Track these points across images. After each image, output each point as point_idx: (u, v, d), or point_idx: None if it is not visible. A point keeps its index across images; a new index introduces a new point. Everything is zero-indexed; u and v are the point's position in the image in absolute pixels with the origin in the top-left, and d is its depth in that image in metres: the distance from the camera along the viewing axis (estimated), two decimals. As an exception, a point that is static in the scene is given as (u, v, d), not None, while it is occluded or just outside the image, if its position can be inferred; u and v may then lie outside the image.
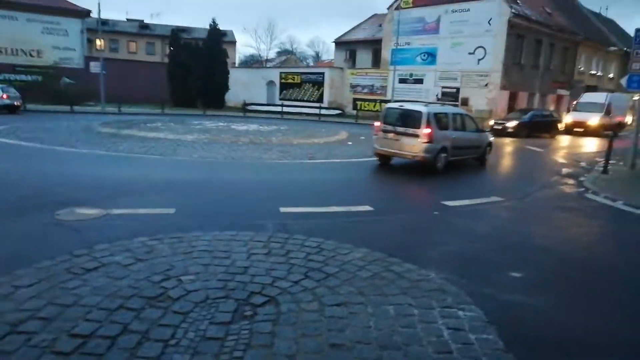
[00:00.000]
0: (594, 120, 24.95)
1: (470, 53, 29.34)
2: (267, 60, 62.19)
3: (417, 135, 10.20)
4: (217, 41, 36.51)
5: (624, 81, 12.80)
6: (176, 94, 35.69)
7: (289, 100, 37.15)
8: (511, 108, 28.34)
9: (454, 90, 30.27)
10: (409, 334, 3.40)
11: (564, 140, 22.79)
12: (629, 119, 29.86)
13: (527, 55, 30.20)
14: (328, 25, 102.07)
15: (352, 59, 41.28)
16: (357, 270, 4.53)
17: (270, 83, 39.68)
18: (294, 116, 31.61)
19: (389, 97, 32.36)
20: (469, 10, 29.34)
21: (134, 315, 3.48)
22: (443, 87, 30.92)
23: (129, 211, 6.23)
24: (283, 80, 39.05)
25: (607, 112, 25.84)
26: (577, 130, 25.06)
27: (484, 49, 28.73)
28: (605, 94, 28.14)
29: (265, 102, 37.38)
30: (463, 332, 3.47)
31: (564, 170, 12.37)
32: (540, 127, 23.16)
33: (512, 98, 29.54)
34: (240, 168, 10.57)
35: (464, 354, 3.17)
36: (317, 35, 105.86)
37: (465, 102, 29.38)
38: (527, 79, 30.13)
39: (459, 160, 11.56)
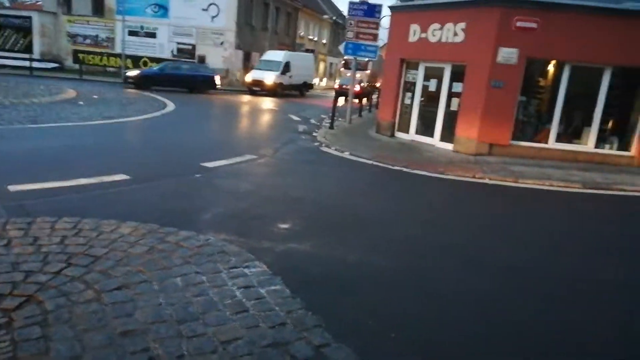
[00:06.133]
0: (269, 78, 24.67)
1: (204, 9, 29.07)
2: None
3: None
4: None
5: (341, 47, 14.98)
6: None
7: (-18, 49, 29.69)
8: (246, 67, 29.70)
9: (190, 47, 29.70)
10: (203, 302, 3.33)
11: (293, 99, 25.35)
12: (316, 80, 33.54)
13: (257, 17, 31.84)
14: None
15: (66, 3, 35.40)
16: (130, 247, 4.12)
17: (-50, 26, 30.74)
18: (-5, 69, 25.57)
19: (118, 50, 29.47)
20: (199, -36, 28.77)
21: None
22: (178, 43, 29.94)
23: None
24: (-29, 23, 30.84)
25: (285, 71, 25.81)
26: (256, 89, 24.92)
27: (217, 6, 28.88)
28: (283, 52, 27.98)
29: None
30: (254, 289, 3.61)
31: (300, 128, 13.87)
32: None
33: (247, 57, 30.94)
34: None
35: (259, 309, 3.32)
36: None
37: (202, 60, 29.26)
38: (258, 40, 31.95)
39: None
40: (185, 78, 22.68)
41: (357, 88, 25.94)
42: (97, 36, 31.38)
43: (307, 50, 39.80)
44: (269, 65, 25.64)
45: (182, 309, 3.22)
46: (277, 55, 26.89)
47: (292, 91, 27.26)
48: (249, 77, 25.69)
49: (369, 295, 3.75)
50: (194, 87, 22.56)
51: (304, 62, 29.07)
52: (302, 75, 27.89)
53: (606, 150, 11.01)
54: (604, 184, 8.85)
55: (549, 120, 11.00)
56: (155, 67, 23.68)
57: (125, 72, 23.69)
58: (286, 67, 25.95)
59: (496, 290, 4.08)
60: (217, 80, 24.01)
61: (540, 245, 5.40)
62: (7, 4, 32.82)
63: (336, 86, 28.54)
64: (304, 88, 28.66)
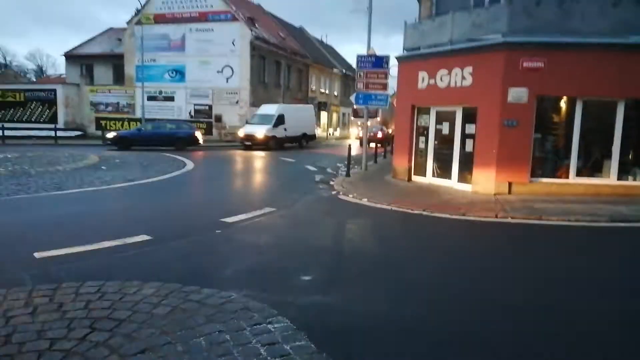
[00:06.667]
0: (260, 132, 24.55)
1: (218, 71, 30.34)
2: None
3: None
4: None
5: (353, 98, 15.33)
6: None
7: (11, 122, 31.20)
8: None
9: (207, 107, 30.75)
10: (228, 363, 3.27)
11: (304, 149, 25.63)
12: (330, 131, 33.59)
13: (269, 74, 33.03)
14: (48, 37, 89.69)
15: (89, 75, 37.39)
16: (154, 309, 4.10)
17: (-18, 102, 32.57)
18: (22, 141, 26.70)
19: (138, 115, 30.72)
20: (212, 30, 30.33)
21: None
22: (195, 105, 31.05)
23: None
24: (0, 99, 32.61)
25: (278, 124, 25.51)
26: (248, 143, 24.71)
27: (231, 68, 30.14)
28: (277, 105, 27.82)
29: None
30: (278, 345, 3.52)
31: (317, 177, 13.99)
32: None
33: (262, 114, 31.79)
34: (-39, 210, 8.31)
35: (285, 367, 3.23)
36: (37, 48, 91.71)
37: (219, 119, 30.18)
38: (272, 96, 32.93)
39: None
40: (164, 137, 23.23)
41: (380, 134, 28.89)
42: (118, 103, 32.82)
43: (320, 103, 40.80)
44: (261, 120, 25.51)
45: (207, 370, 3.15)
46: (270, 109, 26.54)
47: (291, 143, 26.86)
48: (241, 132, 25.56)
49: (397, 347, 3.62)
50: (174, 144, 22.86)
51: (302, 113, 28.70)
52: (300, 127, 27.49)
53: (630, 182, 10.78)
54: (633, 216, 8.60)
55: (567, 155, 10.90)
56: (133, 128, 25.30)
57: (105, 134, 24.81)
58: (279, 120, 25.60)
59: (530, 337, 3.90)
60: (199, 136, 24.28)
61: (578, 285, 5.20)
62: (34, 79, 34.85)
63: (380, 135, 29.43)
64: (304, 139, 28.21)
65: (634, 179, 10.82)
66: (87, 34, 39.89)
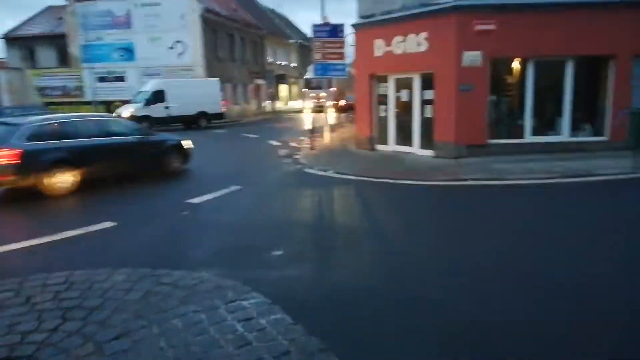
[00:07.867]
0: (126, 112, 21.71)
1: (170, 48, 29.22)
2: None
3: None
4: None
5: (310, 69, 15.19)
6: None
7: (-51, 112, 29.18)
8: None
9: (161, 86, 29.69)
10: (205, 341, 3.30)
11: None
12: (278, 104, 30.94)
13: (223, 49, 32.11)
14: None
15: (31, 58, 35.21)
16: (126, 294, 4.07)
17: None
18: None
19: (88, 98, 29.42)
20: (159, 4, 29.00)
21: None
22: (149, 84, 29.93)
23: None
24: (-64, 88, 30.38)
25: (154, 102, 22.67)
26: None
27: (183, 43, 29.08)
28: (156, 80, 24.85)
29: None
30: (254, 320, 3.58)
31: (281, 152, 13.94)
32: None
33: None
34: None
35: (262, 340, 3.29)
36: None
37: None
38: (228, 71, 32.12)
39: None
40: None
41: (343, 102, 28.47)
42: (65, 86, 31.21)
43: (278, 76, 40.14)
44: (139, 97, 23.04)
45: (184, 350, 3.18)
46: (149, 85, 23.76)
47: (185, 124, 23.80)
48: (115, 113, 22.19)
49: (370, 314, 3.75)
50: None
51: (199, 89, 24.75)
52: (195, 104, 23.76)
53: (581, 138, 11.30)
54: (584, 170, 9.06)
55: (522, 115, 11.27)
56: None
57: None
58: (157, 97, 22.74)
59: (492, 295, 4.13)
60: None
61: (537, 243, 5.50)
62: (-29, 65, 32.61)
63: (342, 103, 28.81)
64: (204, 119, 24.51)
65: (585, 134, 11.35)
66: (25, 13, 37.42)
